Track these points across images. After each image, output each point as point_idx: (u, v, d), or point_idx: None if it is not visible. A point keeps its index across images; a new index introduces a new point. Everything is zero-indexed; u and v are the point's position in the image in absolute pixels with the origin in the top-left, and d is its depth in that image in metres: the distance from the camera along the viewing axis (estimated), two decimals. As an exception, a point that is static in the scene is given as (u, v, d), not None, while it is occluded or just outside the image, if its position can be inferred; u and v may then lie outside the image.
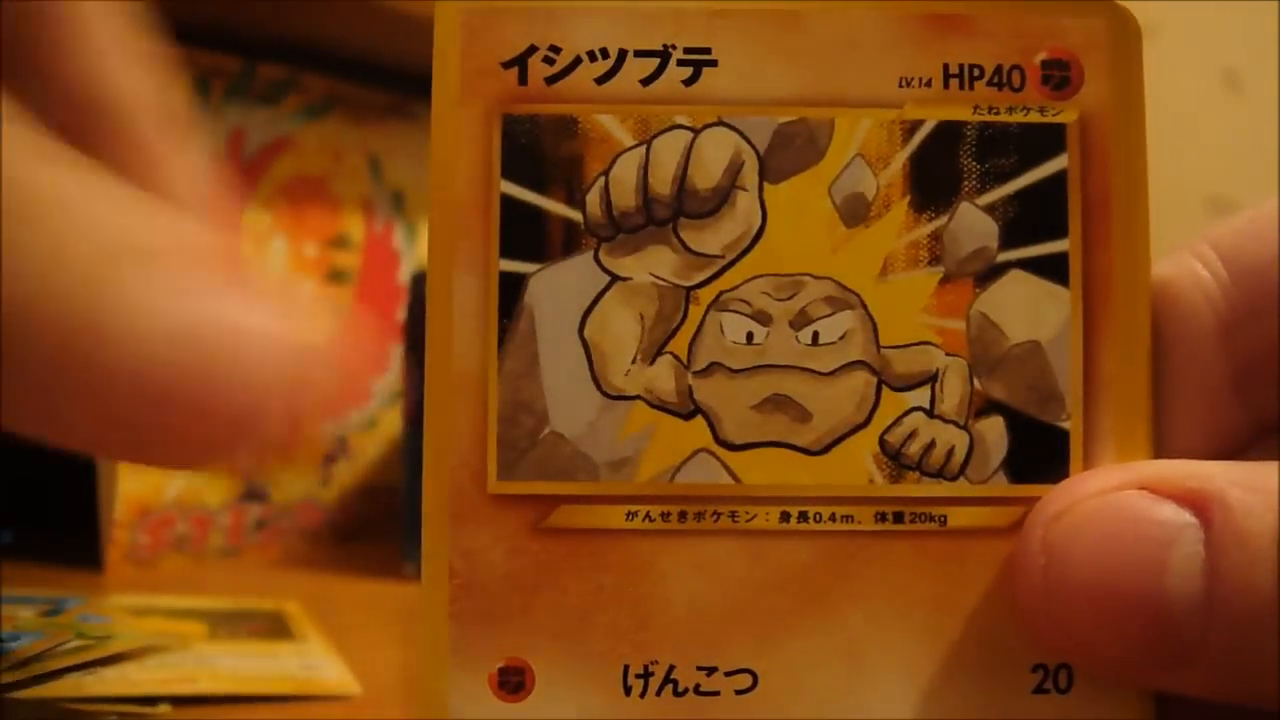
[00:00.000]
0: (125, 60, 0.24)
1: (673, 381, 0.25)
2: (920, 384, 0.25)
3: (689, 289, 0.25)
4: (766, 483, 0.25)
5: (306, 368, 0.21)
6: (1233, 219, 0.26)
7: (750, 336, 0.25)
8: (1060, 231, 0.25)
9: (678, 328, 0.25)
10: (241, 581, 0.65)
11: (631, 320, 0.25)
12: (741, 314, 0.25)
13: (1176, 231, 0.26)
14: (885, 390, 0.25)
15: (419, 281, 0.69)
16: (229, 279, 0.20)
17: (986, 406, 0.25)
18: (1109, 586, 0.23)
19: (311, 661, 0.47)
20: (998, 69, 0.25)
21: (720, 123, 0.25)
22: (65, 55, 0.24)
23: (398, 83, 0.71)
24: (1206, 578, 0.22)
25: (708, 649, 0.25)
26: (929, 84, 0.25)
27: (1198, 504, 0.22)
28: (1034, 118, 0.25)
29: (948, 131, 0.25)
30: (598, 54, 0.25)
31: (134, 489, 0.64)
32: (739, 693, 0.25)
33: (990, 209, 0.25)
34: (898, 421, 0.25)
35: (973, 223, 0.25)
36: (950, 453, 0.25)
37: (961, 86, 0.25)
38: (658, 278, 0.25)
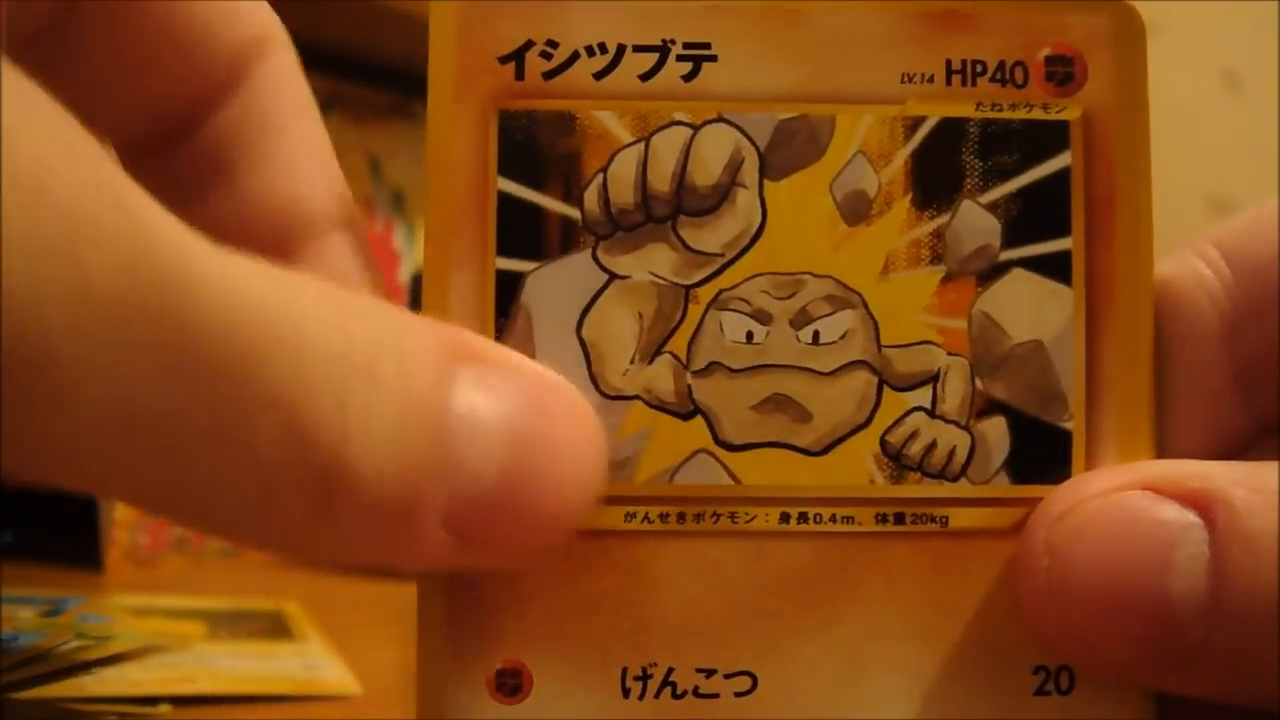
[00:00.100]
0: (317, 159, 0.26)
1: (671, 381, 0.24)
2: (922, 384, 0.25)
3: (688, 287, 0.24)
4: (766, 483, 0.24)
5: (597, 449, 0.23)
6: (1235, 218, 0.26)
7: (750, 336, 0.24)
8: (1063, 230, 0.25)
9: (677, 327, 0.24)
10: (241, 581, 0.64)
11: (630, 319, 0.24)
12: (741, 313, 0.24)
13: (1177, 231, 0.26)
14: (886, 390, 0.25)
15: (419, 282, 0.69)
16: (476, 362, 0.22)
17: (988, 406, 0.25)
18: (1113, 587, 0.22)
19: (311, 661, 0.46)
20: (1001, 65, 0.25)
21: (720, 119, 0.25)
22: (264, 173, 0.26)
23: (398, 83, 0.71)
24: (1211, 578, 0.22)
25: (707, 651, 0.24)
26: (931, 80, 0.25)
27: (1201, 504, 0.22)
28: (1037, 115, 0.25)
29: (950, 128, 0.25)
30: (596, 49, 0.25)
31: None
32: (738, 695, 0.24)
33: (992, 207, 0.25)
34: (899, 422, 0.25)
35: (975, 221, 0.25)
36: (952, 453, 0.25)
37: (964, 83, 0.25)
38: (657, 276, 0.24)
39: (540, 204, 0.24)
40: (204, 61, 0.26)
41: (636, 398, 0.24)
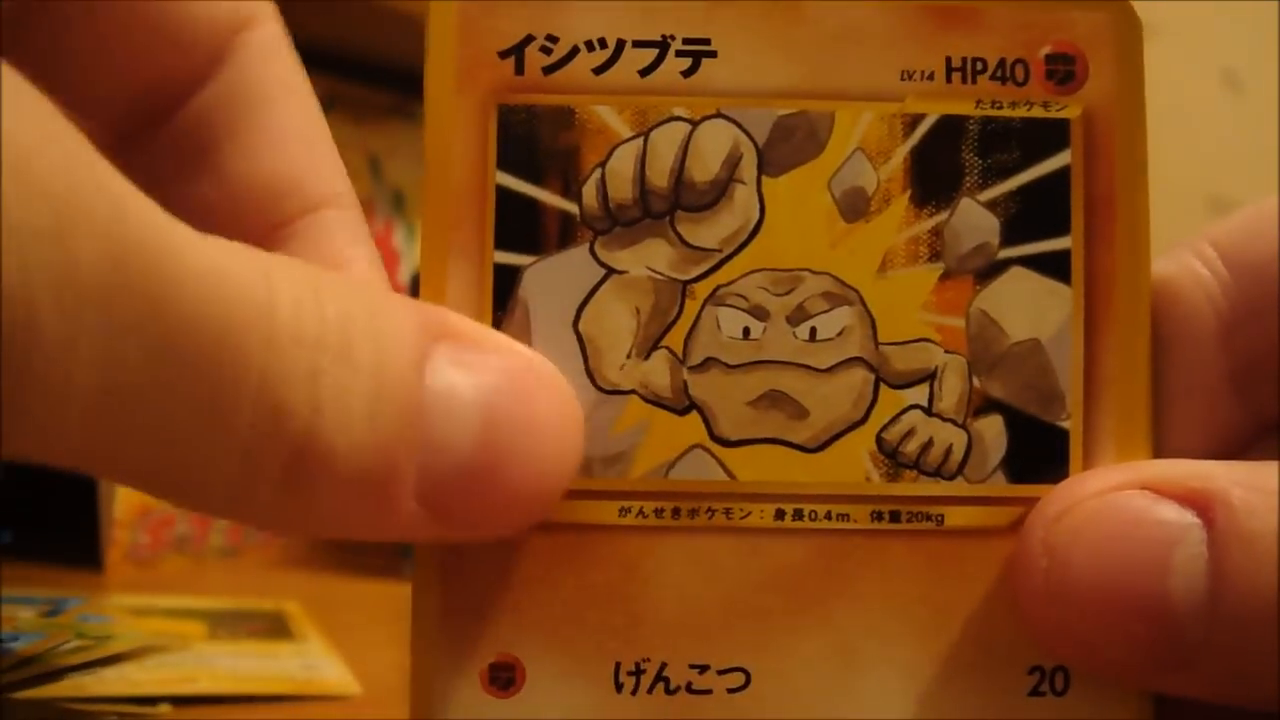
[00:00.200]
0: (306, 133, 0.26)
1: (668, 376, 0.24)
2: (919, 381, 0.25)
3: (685, 283, 0.24)
4: (761, 480, 0.24)
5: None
6: (1232, 217, 0.26)
7: (747, 332, 0.24)
8: (1062, 228, 0.25)
9: (674, 322, 0.24)
10: (241, 581, 0.64)
11: (627, 314, 0.24)
12: (738, 309, 0.24)
13: (1176, 231, 0.26)
14: (883, 387, 0.25)
15: (419, 281, 0.68)
16: (464, 343, 0.22)
17: (985, 405, 0.25)
18: (1111, 588, 0.22)
19: (311, 661, 0.46)
20: (1001, 63, 0.25)
21: (719, 115, 0.25)
22: (251, 150, 0.26)
23: (398, 83, 0.71)
24: (1210, 579, 0.22)
25: (700, 647, 0.24)
26: (931, 77, 0.25)
27: (1200, 504, 0.22)
28: (1037, 113, 0.25)
29: (950, 126, 0.25)
30: (596, 44, 0.25)
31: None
32: (731, 691, 0.24)
33: (992, 205, 0.25)
34: (895, 419, 0.25)
35: (974, 219, 0.25)
36: (948, 451, 0.24)
37: (964, 80, 0.25)
38: (654, 271, 0.24)
39: (539, 198, 0.24)
40: (184, 39, 0.26)
41: (632, 392, 0.24)
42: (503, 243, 0.24)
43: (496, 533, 0.23)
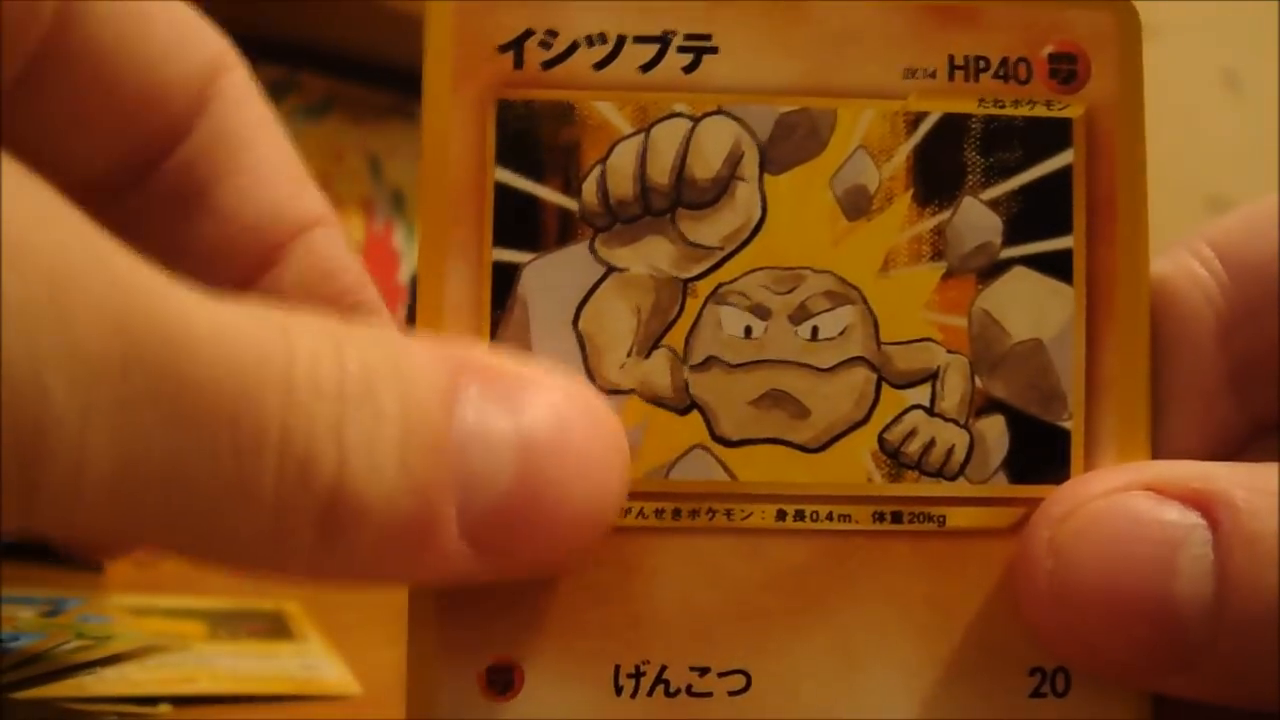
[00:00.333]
0: (285, 164, 0.27)
1: (668, 376, 0.24)
2: (921, 381, 0.24)
3: (686, 281, 0.24)
4: (763, 480, 0.24)
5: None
6: (1229, 216, 0.26)
7: (748, 330, 0.24)
8: (1064, 228, 0.25)
9: (674, 321, 0.24)
10: (241, 582, 0.64)
11: (627, 312, 0.24)
12: (740, 307, 0.24)
13: (1176, 231, 0.26)
14: (885, 387, 0.24)
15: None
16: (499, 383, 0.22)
17: (987, 405, 0.24)
18: (1116, 589, 0.22)
19: (311, 661, 0.46)
20: (1004, 61, 0.25)
21: (720, 111, 0.24)
22: (242, 188, 0.27)
23: (398, 83, 0.71)
24: (1215, 580, 0.22)
25: (701, 649, 0.24)
26: (934, 75, 0.25)
27: (1204, 505, 0.22)
28: (1040, 112, 0.25)
29: (952, 124, 0.25)
30: (596, 39, 0.24)
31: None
32: (732, 694, 0.24)
33: (994, 204, 0.25)
34: (897, 419, 0.24)
35: (976, 218, 0.25)
36: (950, 452, 0.24)
37: (967, 79, 0.25)
38: (655, 269, 0.24)
39: (538, 195, 0.24)
40: (164, 96, 0.27)
41: (632, 392, 0.24)
42: (501, 240, 0.24)
43: (547, 566, 0.23)
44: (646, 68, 0.24)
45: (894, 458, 0.24)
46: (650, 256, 0.24)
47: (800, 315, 0.24)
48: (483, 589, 0.24)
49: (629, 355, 0.24)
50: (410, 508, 0.20)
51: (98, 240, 0.18)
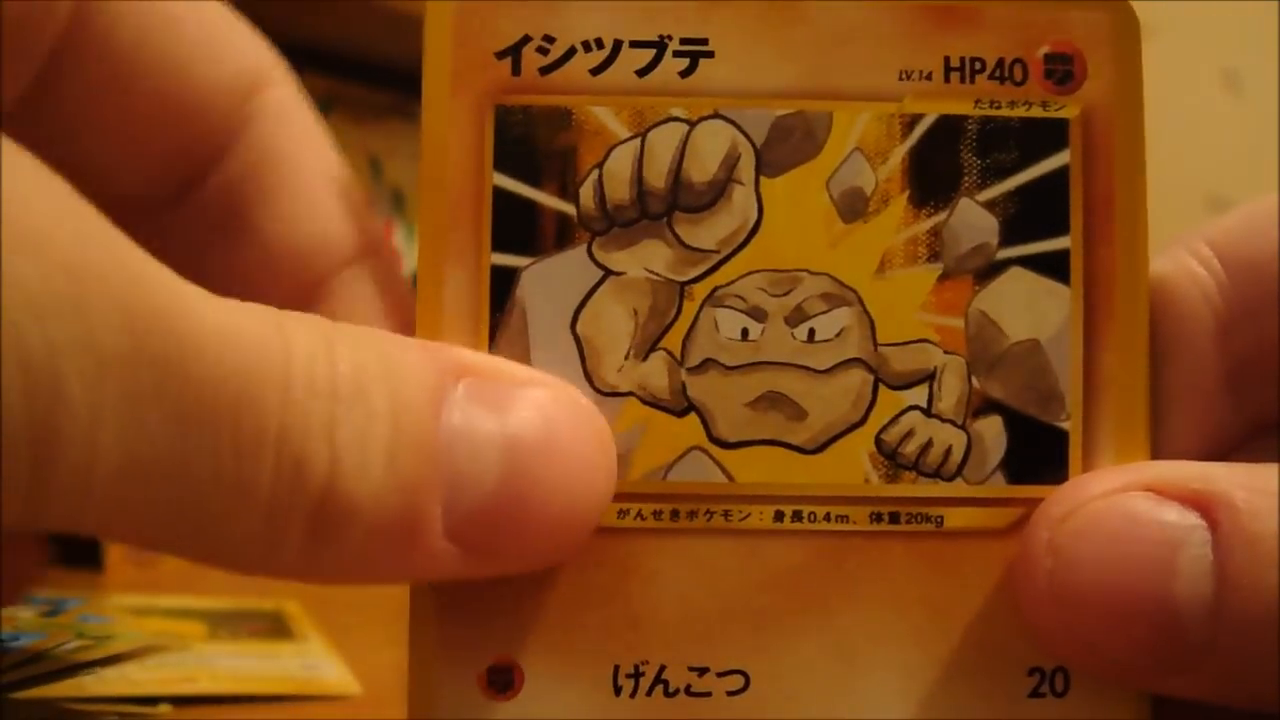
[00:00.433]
0: (332, 190, 0.26)
1: (666, 378, 0.24)
2: (918, 382, 0.25)
3: (683, 284, 0.24)
4: (760, 481, 0.24)
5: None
6: (1227, 216, 0.26)
7: (745, 333, 0.24)
8: (1061, 229, 0.25)
9: (671, 323, 0.24)
10: (241, 581, 0.64)
11: (625, 316, 0.24)
12: (736, 310, 0.24)
13: (1176, 231, 0.26)
14: (882, 388, 0.24)
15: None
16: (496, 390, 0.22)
17: (985, 406, 0.24)
18: (1115, 589, 0.22)
19: (311, 661, 0.46)
20: (999, 62, 0.25)
21: (717, 115, 0.24)
22: (286, 213, 0.26)
23: (398, 83, 0.71)
24: (1215, 581, 0.22)
25: (699, 649, 0.24)
26: (929, 77, 0.25)
27: (1203, 506, 0.22)
28: (1036, 112, 0.25)
29: (948, 126, 0.25)
30: (593, 44, 0.24)
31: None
32: (731, 694, 0.24)
33: (990, 205, 0.25)
34: (894, 420, 0.24)
35: (972, 219, 0.25)
36: (948, 452, 0.24)
37: (963, 80, 0.25)
38: (652, 272, 0.24)
39: (536, 199, 0.24)
40: (195, 104, 0.26)
41: (630, 394, 0.24)
42: (500, 244, 0.24)
43: (533, 564, 0.23)
44: (643, 72, 0.24)
45: (891, 459, 0.24)
46: (647, 260, 0.24)
47: (797, 317, 0.24)
48: (482, 590, 0.24)
49: (627, 358, 0.24)
50: (397, 507, 0.21)
51: (113, 235, 0.18)
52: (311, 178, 0.27)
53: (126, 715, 0.38)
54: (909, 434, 0.24)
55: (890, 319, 0.24)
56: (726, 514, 0.24)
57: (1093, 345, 0.25)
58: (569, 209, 0.24)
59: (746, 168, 0.24)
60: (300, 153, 0.27)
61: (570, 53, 0.24)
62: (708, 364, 0.24)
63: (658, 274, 0.24)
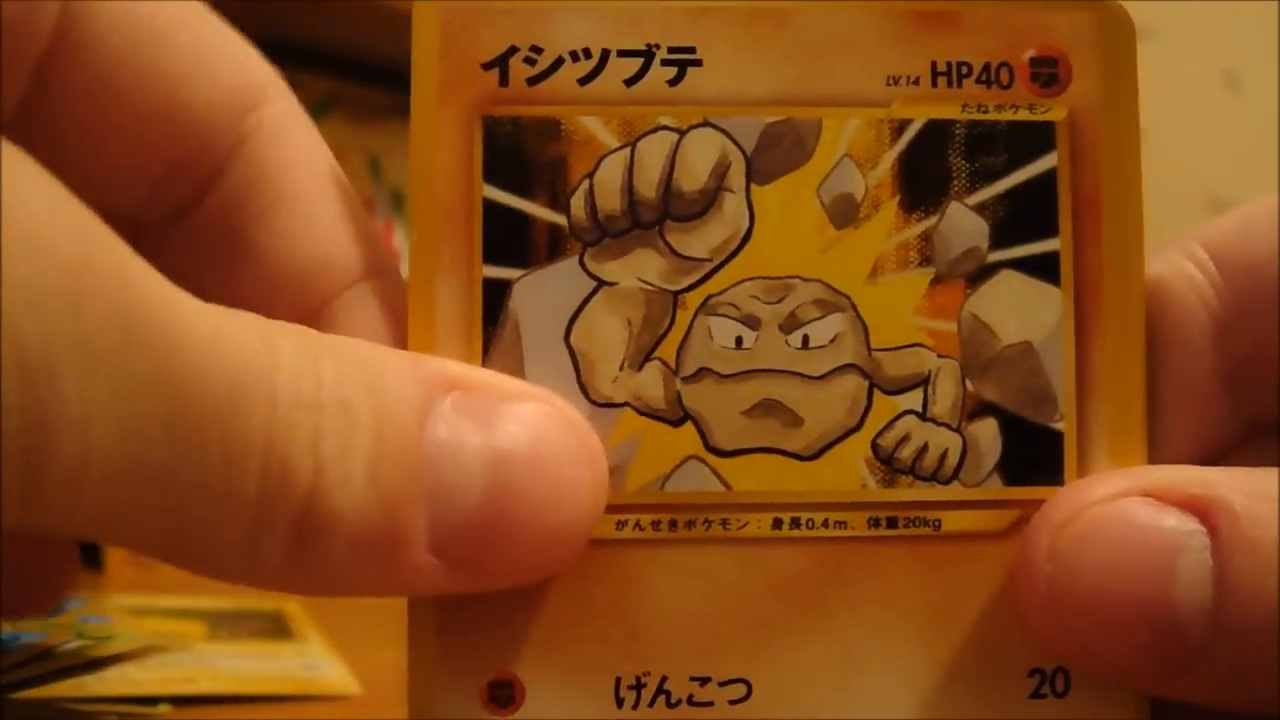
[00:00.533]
0: (335, 208, 0.26)
1: (661, 388, 0.24)
2: (912, 387, 0.25)
3: (676, 293, 0.24)
4: (758, 489, 0.24)
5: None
6: (1223, 218, 0.26)
7: (739, 341, 0.24)
8: (1051, 230, 0.25)
9: (665, 333, 0.24)
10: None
11: (618, 326, 0.24)
12: (730, 318, 0.24)
13: (1176, 232, 0.26)
14: (877, 393, 0.24)
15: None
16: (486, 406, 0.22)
17: (979, 408, 0.25)
18: (1116, 594, 0.22)
19: (311, 661, 0.47)
20: (986, 66, 0.25)
21: (706, 123, 0.24)
22: (285, 233, 0.26)
23: (398, 83, 0.71)
24: (1214, 586, 0.22)
25: (701, 659, 0.24)
26: (917, 82, 0.25)
27: (1202, 511, 0.22)
28: (1023, 115, 0.25)
29: (936, 130, 0.25)
30: (580, 54, 0.24)
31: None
32: (733, 703, 0.24)
33: (980, 208, 0.25)
34: (890, 425, 0.24)
35: (963, 223, 0.25)
36: (944, 456, 0.24)
37: (950, 84, 0.25)
38: (644, 282, 0.24)
39: (526, 211, 0.24)
40: (189, 117, 0.26)
41: (626, 405, 0.24)
42: (491, 256, 0.24)
43: (520, 580, 0.23)
44: (631, 81, 0.24)
45: (888, 463, 0.24)
46: (640, 270, 0.24)
47: (790, 324, 0.24)
48: (481, 603, 0.24)
49: (621, 369, 0.24)
50: (379, 519, 0.21)
51: (109, 237, 0.18)
52: (312, 196, 0.27)
53: (126, 715, 0.38)
54: (905, 438, 0.24)
55: (883, 324, 0.24)
56: (725, 523, 0.24)
57: (1084, 346, 0.25)
58: (560, 220, 0.24)
59: (737, 175, 0.24)
60: (300, 171, 0.27)
61: (558, 63, 0.24)
62: (702, 373, 0.24)
63: (650, 284, 0.24)
